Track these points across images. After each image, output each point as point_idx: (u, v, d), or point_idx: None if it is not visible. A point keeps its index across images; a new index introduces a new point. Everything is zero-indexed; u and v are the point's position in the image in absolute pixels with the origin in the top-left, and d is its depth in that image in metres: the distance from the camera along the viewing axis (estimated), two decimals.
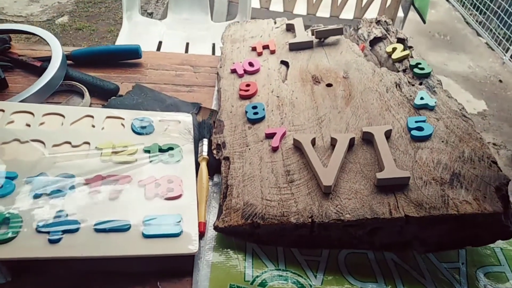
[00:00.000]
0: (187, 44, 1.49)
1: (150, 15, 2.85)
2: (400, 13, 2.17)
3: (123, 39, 1.43)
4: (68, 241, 0.52)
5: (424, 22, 2.42)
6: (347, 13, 2.13)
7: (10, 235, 0.50)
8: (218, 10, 1.76)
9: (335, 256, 0.57)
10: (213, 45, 1.50)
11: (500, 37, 2.97)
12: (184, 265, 0.54)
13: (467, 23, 3.39)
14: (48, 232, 0.52)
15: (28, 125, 0.66)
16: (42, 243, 0.51)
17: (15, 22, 2.85)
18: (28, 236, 0.51)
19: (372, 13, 2.13)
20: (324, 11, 2.14)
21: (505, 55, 2.89)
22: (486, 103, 2.56)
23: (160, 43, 1.48)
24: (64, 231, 0.52)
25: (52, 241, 0.51)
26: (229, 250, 0.56)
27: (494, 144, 2.26)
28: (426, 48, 3.01)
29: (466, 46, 3.10)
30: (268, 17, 2.21)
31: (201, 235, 0.57)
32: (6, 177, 0.57)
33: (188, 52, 1.46)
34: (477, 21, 3.26)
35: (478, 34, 3.22)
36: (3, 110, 0.68)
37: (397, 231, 0.55)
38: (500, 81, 2.74)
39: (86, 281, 0.52)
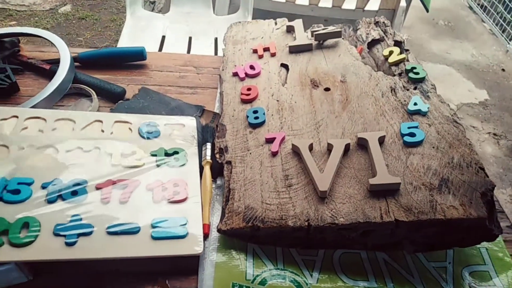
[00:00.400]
0: (190, 38, 1.51)
1: (153, 3, 2.85)
2: (403, 3, 2.16)
3: (127, 34, 1.46)
4: (83, 244, 0.56)
5: (427, 10, 2.42)
6: (349, 3, 2.13)
7: (30, 238, 0.55)
8: (220, 3, 1.77)
9: (330, 256, 0.61)
10: (215, 39, 1.52)
11: (505, 25, 2.95)
12: (190, 264, 0.59)
13: (471, 9, 3.37)
14: (64, 236, 0.56)
15: (41, 131, 0.70)
16: (59, 245, 0.55)
17: (18, 11, 2.86)
18: (46, 239, 0.56)
19: (374, 3, 2.13)
20: (326, 1, 2.14)
21: (509, 43, 2.88)
22: (488, 92, 2.56)
23: (163, 37, 1.50)
24: (79, 234, 0.57)
25: (68, 244, 0.55)
26: (231, 250, 0.60)
27: (494, 134, 2.28)
28: (429, 36, 3.00)
29: (470, 34, 3.09)
30: (270, 7, 2.21)
31: (206, 236, 0.62)
32: (24, 183, 0.61)
33: (191, 46, 1.48)
34: (481, 7, 3.23)
35: (483, 21, 3.20)
36: (17, 116, 0.72)
37: (388, 233, 0.59)
38: (503, 69, 2.74)
39: (100, 279, 0.57)
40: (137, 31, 1.47)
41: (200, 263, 0.59)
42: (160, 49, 1.44)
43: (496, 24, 3.03)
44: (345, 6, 2.13)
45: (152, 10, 2.71)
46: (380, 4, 2.14)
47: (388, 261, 0.62)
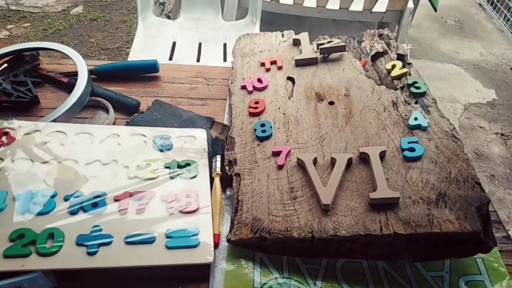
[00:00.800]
0: (200, 44, 1.55)
1: (163, 4, 2.88)
2: (410, 4, 2.17)
3: (139, 41, 1.50)
4: (103, 253, 0.61)
5: (435, 10, 2.42)
6: (357, 5, 2.14)
7: (55, 248, 0.60)
8: (228, 8, 1.81)
9: (333, 265, 0.65)
10: (224, 45, 1.56)
11: None
12: (202, 272, 0.63)
13: (481, 6, 3.34)
14: (86, 245, 0.61)
15: (62, 145, 0.75)
16: (82, 255, 0.60)
17: (32, 13, 2.92)
18: (70, 249, 0.61)
19: (382, 4, 2.14)
20: (333, 3, 2.16)
21: None
22: (496, 92, 2.56)
23: (174, 43, 1.54)
24: (100, 244, 0.62)
25: (90, 254, 0.60)
26: (240, 259, 0.65)
27: (502, 134, 2.29)
28: (437, 35, 3.00)
29: (479, 32, 3.07)
30: (278, 9, 2.24)
31: (216, 245, 0.66)
32: (48, 196, 0.66)
33: (201, 52, 1.52)
34: (491, 4, 3.21)
35: (492, 19, 3.18)
36: (39, 131, 0.77)
37: (388, 245, 0.63)
38: None
39: (119, 286, 0.62)
40: (149, 38, 1.52)
41: (211, 271, 0.63)
42: (171, 56, 1.48)
43: (506, 22, 3.01)
44: (352, 7, 2.15)
45: (162, 11, 2.75)
46: (387, 5, 2.16)
47: (387, 270, 0.65)
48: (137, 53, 1.44)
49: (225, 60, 1.48)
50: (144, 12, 1.55)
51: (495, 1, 3.16)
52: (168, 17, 2.71)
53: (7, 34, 2.66)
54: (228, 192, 0.75)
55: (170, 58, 1.47)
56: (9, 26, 2.74)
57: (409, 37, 2.85)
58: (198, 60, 1.48)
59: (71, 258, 0.60)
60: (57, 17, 2.89)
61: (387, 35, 0.97)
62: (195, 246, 0.64)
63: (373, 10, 2.15)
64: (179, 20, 1.65)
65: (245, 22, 1.62)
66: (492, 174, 2.07)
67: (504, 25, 3.02)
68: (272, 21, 2.89)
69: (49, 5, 3.02)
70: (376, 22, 2.43)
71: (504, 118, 2.39)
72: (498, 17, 3.11)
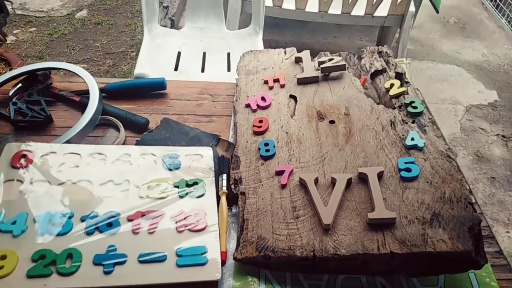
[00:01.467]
0: (204, 54, 1.59)
1: (166, 8, 2.92)
2: (412, 8, 2.19)
3: (145, 52, 1.54)
4: (118, 272, 0.65)
5: (437, 11, 2.44)
6: (359, 10, 2.17)
7: (74, 268, 0.64)
8: (230, 17, 1.84)
9: (334, 280, 0.69)
10: (228, 54, 1.59)
11: None
12: None
13: (484, 5, 3.35)
14: (103, 265, 0.65)
15: (77, 166, 0.79)
16: (99, 274, 0.65)
17: (37, 17, 2.96)
18: (87, 268, 0.65)
19: (383, 9, 2.17)
20: (335, 7, 2.18)
21: None
22: (497, 93, 2.59)
23: (179, 53, 1.58)
24: (115, 264, 0.66)
25: (106, 273, 0.65)
26: (247, 276, 0.69)
27: (503, 136, 2.31)
28: (440, 36, 3.01)
29: (481, 32, 3.08)
30: (281, 14, 2.26)
31: (223, 262, 0.70)
32: (65, 217, 0.71)
33: (205, 62, 1.55)
34: (494, 2, 3.22)
35: (494, 19, 3.18)
36: (55, 152, 0.81)
37: (385, 263, 0.67)
38: None
39: None
40: (155, 49, 1.56)
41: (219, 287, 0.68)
42: (177, 66, 1.52)
43: (509, 22, 3.02)
44: (354, 12, 2.17)
45: (166, 15, 2.78)
46: (389, 9, 2.18)
47: (385, 285, 0.69)
48: (143, 64, 1.48)
49: (229, 70, 1.51)
50: (150, 23, 1.59)
51: (498, 1, 3.16)
52: (172, 21, 2.75)
53: (13, 39, 2.71)
54: (234, 210, 0.79)
55: (176, 69, 1.51)
56: (15, 31, 2.79)
57: (411, 38, 2.87)
58: (202, 70, 1.52)
59: (89, 277, 0.64)
60: (62, 21, 2.93)
61: (386, 52, 1.00)
62: (203, 264, 0.68)
63: (375, 14, 2.17)
64: (184, 30, 1.68)
65: (248, 31, 1.65)
66: (493, 176, 2.10)
67: (507, 24, 3.03)
68: (275, 24, 2.92)
69: (54, 9, 3.06)
70: (378, 26, 2.46)
71: (505, 120, 2.41)
72: (501, 17, 3.11)
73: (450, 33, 3.05)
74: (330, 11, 2.16)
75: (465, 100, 2.51)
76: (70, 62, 2.69)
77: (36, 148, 0.80)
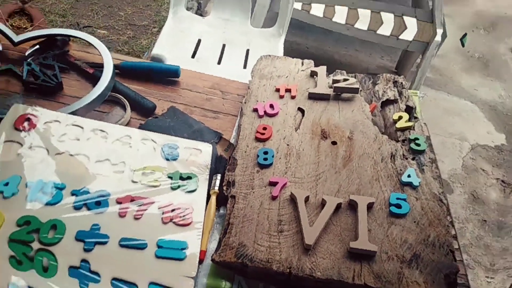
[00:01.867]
0: (224, 46, 1.59)
1: (199, 3, 2.89)
2: (438, 38, 2.18)
3: (166, 34, 1.54)
4: (98, 251, 0.67)
5: (463, 45, 2.42)
6: (385, 29, 2.16)
7: (56, 240, 0.66)
8: (257, 15, 1.83)
9: None
10: (247, 51, 1.59)
11: None
12: (183, 284, 0.69)
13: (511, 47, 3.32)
14: (84, 242, 0.67)
15: (78, 139, 0.80)
16: (78, 249, 0.66)
17: None
18: (68, 242, 0.66)
19: (410, 33, 2.16)
20: (363, 22, 2.17)
21: None
22: (506, 137, 2.57)
23: (199, 41, 1.58)
24: (96, 243, 0.67)
25: (86, 250, 0.66)
26: (221, 279, 0.70)
27: (502, 181, 2.31)
28: (460, 68, 2.99)
29: (503, 73, 3.06)
30: (307, 19, 2.25)
31: (201, 261, 0.71)
32: (57, 188, 0.72)
33: (223, 54, 1.55)
34: None
35: None
36: (59, 121, 0.82)
37: None
38: None
39: None
40: (177, 32, 1.56)
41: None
42: (194, 53, 1.52)
43: None
44: (380, 31, 2.16)
45: (198, 9, 2.76)
46: (415, 35, 2.17)
47: None
48: (163, 45, 1.49)
49: (245, 67, 1.51)
50: (176, 6, 1.59)
51: None
52: (199, 4, 2.73)
53: None
54: (221, 211, 0.80)
55: (193, 56, 1.51)
56: None
57: (432, 66, 2.85)
58: (219, 62, 1.52)
59: (68, 251, 0.65)
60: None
61: (402, 83, 1.00)
62: (181, 259, 0.69)
63: (400, 37, 2.16)
64: (208, 18, 1.68)
65: (271, 32, 1.65)
66: (484, 219, 2.10)
67: None
68: (300, 26, 2.89)
69: None
70: (401, 48, 2.44)
71: (508, 165, 2.40)
72: None
73: (471, 68, 3.02)
74: (357, 25, 2.16)
75: (472, 138, 2.50)
76: (92, 26, 2.68)
77: (41, 113, 0.81)
